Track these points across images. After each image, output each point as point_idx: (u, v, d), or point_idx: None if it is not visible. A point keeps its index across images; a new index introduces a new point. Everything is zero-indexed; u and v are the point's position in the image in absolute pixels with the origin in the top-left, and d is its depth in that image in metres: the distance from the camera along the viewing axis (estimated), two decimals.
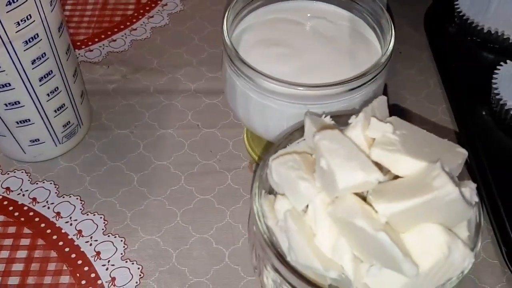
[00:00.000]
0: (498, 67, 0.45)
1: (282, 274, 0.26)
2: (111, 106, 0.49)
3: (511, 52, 0.47)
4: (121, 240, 0.40)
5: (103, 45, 0.55)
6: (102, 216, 0.42)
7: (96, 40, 0.55)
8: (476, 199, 0.27)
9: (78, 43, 0.55)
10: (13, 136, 0.41)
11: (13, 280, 0.38)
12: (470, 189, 0.27)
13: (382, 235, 0.23)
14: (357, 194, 0.25)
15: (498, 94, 0.43)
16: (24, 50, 0.36)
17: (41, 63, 0.38)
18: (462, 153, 0.28)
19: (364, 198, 0.26)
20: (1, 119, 0.40)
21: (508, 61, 0.45)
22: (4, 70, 0.36)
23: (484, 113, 0.45)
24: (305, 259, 0.25)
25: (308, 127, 0.29)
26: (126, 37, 0.56)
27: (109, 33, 0.56)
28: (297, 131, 0.31)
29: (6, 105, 0.38)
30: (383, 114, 0.30)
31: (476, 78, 0.47)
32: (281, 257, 0.26)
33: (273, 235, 0.28)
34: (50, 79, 0.39)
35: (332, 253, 0.26)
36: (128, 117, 0.49)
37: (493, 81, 0.44)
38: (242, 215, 0.42)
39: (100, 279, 0.38)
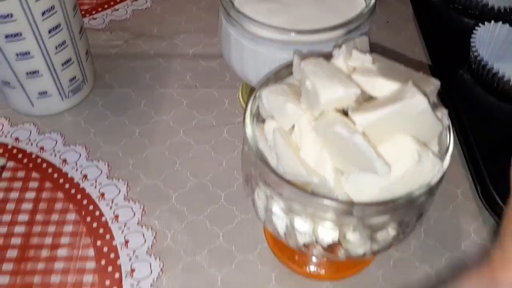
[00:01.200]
0: (476, 28, 0.48)
1: (271, 185, 0.29)
2: (113, 68, 0.52)
3: (489, 16, 0.51)
4: (124, 184, 0.43)
5: (106, 14, 0.58)
6: (106, 163, 0.45)
7: (100, 9, 0.58)
8: (447, 122, 0.30)
9: (83, 12, 0.58)
10: (23, 88, 0.44)
11: (23, 218, 0.41)
12: (441, 112, 0.30)
13: (357, 136, 0.26)
14: (339, 112, 0.28)
15: (476, 51, 0.46)
16: (36, 1, 0.39)
17: (50, 15, 0.41)
18: (435, 82, 0.31)
19: (346, 115, 0.28)
20: (12, 70, 0.42)
21: (486, 22, 0.48)
22: (16, 20, 0.39)
23: (463, 71, 0.48)
24: (291, 168, 0.28)
25: (296, 61, 0.32)
26: (127, 7, 0.59)
27: (111, 3, 0.59)
28: (286, 68, 0.34)
29: (17, 55, 0.41)
30: (364, 50, 0.33)
31: (457, 41, 0.51)
32: (271, 168, 0.29)
33: (263, 155, 0.31)
34: (58, 32, 0.42)
35: (315, 165, 0.29)
36: (130, 78, 0.52)
37: (472, 40, 0.47)
38: (237, 163, 0.45)
39: (104, 216, 0.41)
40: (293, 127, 0.30)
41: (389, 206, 0.27)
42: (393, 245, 0.32)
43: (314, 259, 0.40)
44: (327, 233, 0.30)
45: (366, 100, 0.30)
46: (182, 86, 0.51)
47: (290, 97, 0.30)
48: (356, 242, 0.30)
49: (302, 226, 0.30)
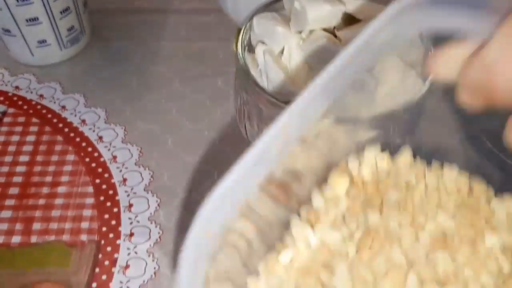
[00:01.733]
0: None
1: (263, 107, 0.30)
2: (110, 22, 0.53)
3: None
4: (122, 128, 0.45)
5: None
6: (104, 109, 0.46)
7: None
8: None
9: None
10: (23, 36, 0.45)
11: (23, 158, 0.42)
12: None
13: (343, 48, 0.27)
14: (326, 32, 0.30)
15: None
16: None
17: None
18: None
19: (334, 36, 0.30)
20: (13, 17, 0.44)
21: None
22: None
23: None
24: (280, 84, 0.29)
25: None
26: None
27: None
28: (276, 2, 0.35)
29: (17, 0, 0.42)
30: None
31: None
32: (261, 87, 0.30)
33: (254, 78, 0.32)
34: None
35: (304, 86, 0.30)
36: (127, 32, 0.53)
37: None
38: (232, 110, 0.46)
39: (103, 157, 0.42)
40: (282, 51, 0.31)
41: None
42: None
43: None
44: None
45: (352, 22, 0.31)
46: (178, 40, 0.52)
47: (280, 22, 0.31)
48: None
49: None
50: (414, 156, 0.25)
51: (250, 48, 0.34)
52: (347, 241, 0.21)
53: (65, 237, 0.38)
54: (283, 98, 0.30)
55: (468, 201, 0.23)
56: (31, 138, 0.43)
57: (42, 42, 0.46)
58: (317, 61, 0.29)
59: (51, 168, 0.42)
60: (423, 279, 0.20)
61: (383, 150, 0.25)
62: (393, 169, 0.24)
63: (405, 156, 0.24)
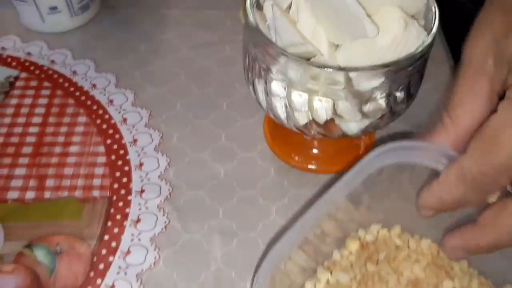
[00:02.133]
0: None
1: (271, 58, 0.31)
2: None
3: None
4: (132, 92, 0.46)
5: None
6: (114, 75, 0.47)
7: None
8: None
9: None
10: (35, 2, 0.46)
11: (36, 120, 0.43)
12: None
13: None
14: None
15: None
16: None
17: None
18: None
19: None
20: None
21: None
22: None
23: None
24: (289, 36, 0.30)
25: None
26: None
27: None
28: None
29: None
30: None
31: None
32: (269, 40, 0.31)
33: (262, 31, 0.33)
34: None
35: (311, 39, 0.31)
36: (136, 0, 0.54)
37: None
38: (239, 75, 0.47)
39: (113, 119, 0.43)
40: (290, 6, 0.32)
41: (377, 71, 0.30)
42: (382, 124, 0.34)
43: (313, 151, 0.42)
44: (321, 106, 0.32)
45: None
46: (186, 7, 0.53)
47: None
48: (347, 113, 0.32)
49: (299, 101, 0.32)
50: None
51: (259, 6, 0.35)
52: (353, 281, 0.32)
53: (78, 193, 0.39)
54: (291, 50, 0.31)
55: (436, 260, 0.34)
56: (43, 101, 0.45)
57: (54, 8, 0.47)
58: (324, 13, 0.30)
59: (63, 129, 0.43)
60: None
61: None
62: (388, 237, 0.35)
63: (396, 229, 0.35)
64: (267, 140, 0.43)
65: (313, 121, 0.34)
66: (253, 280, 0.29)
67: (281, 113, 0.35)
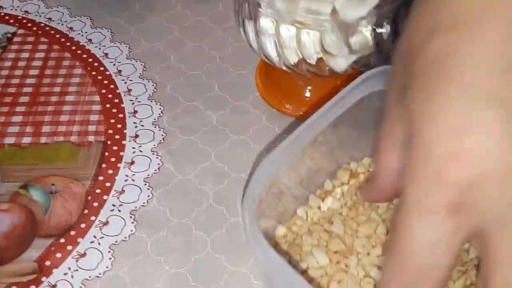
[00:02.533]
0: None
1: None
2: None
3: None
4: (126, 46, 0.46)
5: None
6: (109, 30, 0.48)
7: None
8: None
9: None
10: None
11: (33, 72, 0.44)
12: None
13: None
14: None
15: None
16: None
17: None
18: None
19: None
20: None
21: None
22: None
23: None
24: None
25: None
26: None
27: None
28: None
29: None
30: None
31: None
32: None
33: None
34: None
35: None
36: None
37: None
38: (231, 31, 0.48)
39: (108, 71, 0.44)
40: None
41: None
42: (369, 61, 0.35)
43: (305, 98, 0.42)
44: (309, 39, 0.33)
45: None
46: None
47: None
48: (334, 47, 0.33)
49: (287, 35, 0.33)
50: None
51: None
52: (344, 207, 0.32)
53: (73, 138, 0.40)
54: None
55: None
56: (40, 54, 0.45)
57: None
58: None
59: (59, 80, 0.44)
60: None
61: None
62: None
63: None
64: (259, 89, 0.43)
65: (303, 59, 0.35)
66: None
67: (272, 52, 0.36)
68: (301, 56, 0.35)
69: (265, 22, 0.34)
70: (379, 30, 0.33)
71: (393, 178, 0.23)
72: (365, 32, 0.32)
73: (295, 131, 0.29)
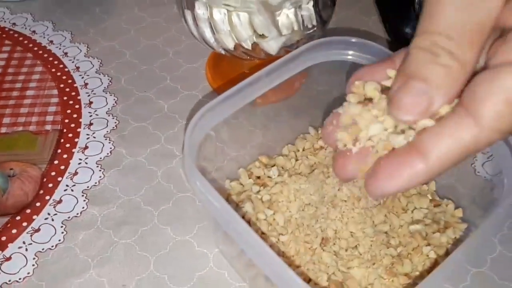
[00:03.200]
0: None
1: None
2: None
3: None
4: (85, 45, 0.49)
5: None
6: (70, 32, 0.51)
7: None
8: None
9: None
10: None
11: None
12: None
13: None
14: None
15: None
16: None
17: None
18: None
19: None
20: None
21: None
22: None
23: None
24: None
25: None
26: None
27: None
28: None
29: None
30: None
31: None
32: None
33: None
34: None
35: None
36: None
37: None
38: (184, 31, 0.51)
39: (67, 68, 0.47)
40: None
41: None
42: (298, 41, 0.38)
43: None
44: (239, 22, 0.36)
45: None
46: None
47: None
48: (262, 28, 0.36)
49: (220, 18, 0.36)
50: None
51: None
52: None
53: (32, 128, 0.42)
54: None
55: None
56: (3, 55, 0.48)
57: None
58: None
59: (21, 77, 0.46)
60: None
61: None
62: None
63: None
64: (209, 80, 0.46)
65: (239, 44, 0.38)
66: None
67: (210, 38, 0.39)
68: (236, 40, 0.38)
69: (200, 8, 0.37)
70: (302, 12, 0.36)
71: None
72: (290, 14, 0.36)
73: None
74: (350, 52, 0.34)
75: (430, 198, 0.36)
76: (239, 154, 0.38)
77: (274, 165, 0.38)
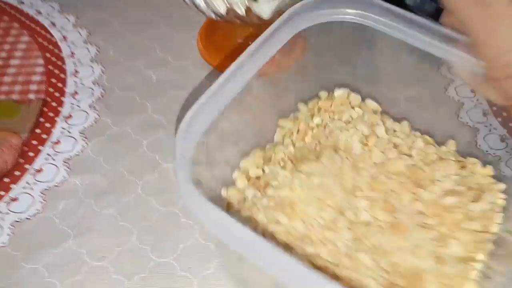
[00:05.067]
0: None
1: None
2: None
3: None
4: (73, 16, 0.48)
5: None
6: (58, 2, 0.49)
7: None
8: None
9: None
10: None
11: None
12: None
13: None
14: None
15: None
16: None
17: None
18: None
19: None
20: None
21: None
22: None
23: None
24: None
25: None
26: None
27: None
28: None
29: None
30: None
31: None
32: None
33: None
34: None
35: None
36: None
37: None
38: (177, 24, 0.49)
39: (54, 37, 0.46)
40: None
41: None
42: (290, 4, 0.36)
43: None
44: None
45: None
46: None
47: None
48: None
49: None
50: None
51: None
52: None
53: (15, 97, 0.41)
54: None
55: None
56: None
57: None
58: None
59: (6, 47, 0.45)
60: None
61: None
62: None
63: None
64: (200, 50, 0.44)
65: (231, 9, 0.36)
66: None
67: (200, 2, 0.37)
68: (227, 4, 0.36)
69: None
70: None
71: None
72: None
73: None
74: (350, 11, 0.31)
75: (453, 159, 0.33)
76: (231, 154, 0.34)
77: (270, 159, 0.34)
